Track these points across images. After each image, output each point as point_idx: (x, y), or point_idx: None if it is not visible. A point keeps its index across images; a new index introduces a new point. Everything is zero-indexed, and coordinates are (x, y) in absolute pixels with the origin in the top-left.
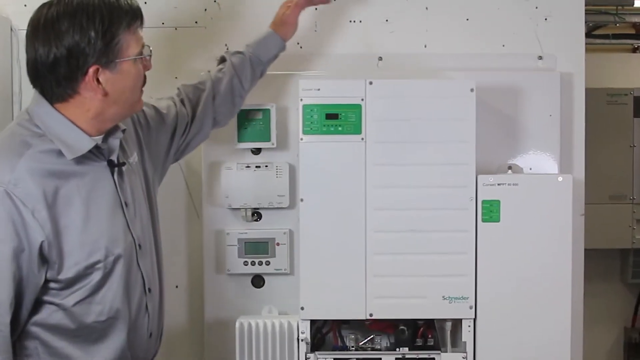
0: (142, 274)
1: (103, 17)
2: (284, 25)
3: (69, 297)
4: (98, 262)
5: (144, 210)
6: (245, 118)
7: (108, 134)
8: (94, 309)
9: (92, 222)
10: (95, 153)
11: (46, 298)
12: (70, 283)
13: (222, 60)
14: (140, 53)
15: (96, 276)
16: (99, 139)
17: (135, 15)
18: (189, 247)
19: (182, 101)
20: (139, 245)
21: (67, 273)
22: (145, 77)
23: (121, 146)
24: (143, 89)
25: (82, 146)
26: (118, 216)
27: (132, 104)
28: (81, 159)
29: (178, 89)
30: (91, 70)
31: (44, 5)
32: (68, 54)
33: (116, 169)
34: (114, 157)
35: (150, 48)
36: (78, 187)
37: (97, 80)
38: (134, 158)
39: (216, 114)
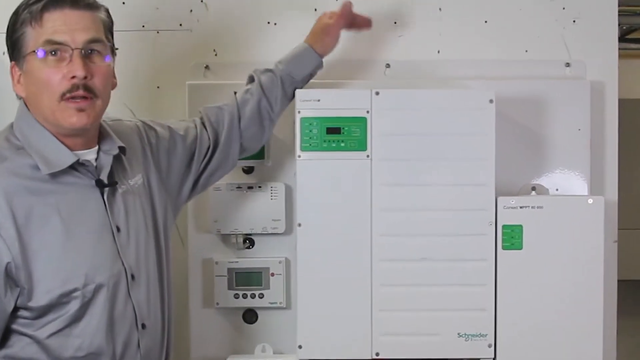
0: (133, 307)
1: (16, 11)
2: (323, 38)
3: (43, 328)
4: (75, 290)
5: (143, 238)
6: None
7: (100, 149)
8: (72, 343)
9: (71, 246)
10: (80, 169)
11: (17, 328)
12: (43, 312)
13: (251, 80)
14: (40, 48)
15: (73, 306)
16: (84, 153)
17: (33, 3)
18: (173, 278)
19: (203, 124)
20: (132, 276)
21: (39, 300)
22: (78, 87)
23: (122, 165)
24: (85, 101)
25: (61, 161)
26: (105, 241)
27: (55, 115)
28: (63, 176)
29: (199, 111)
30: (10, 66)
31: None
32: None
33: (106, 189)
34: (103, 176)
35: (70, 45)
36: (58, 206)
37: (18, 79)
38: (137, 180)
39: (243, 140)
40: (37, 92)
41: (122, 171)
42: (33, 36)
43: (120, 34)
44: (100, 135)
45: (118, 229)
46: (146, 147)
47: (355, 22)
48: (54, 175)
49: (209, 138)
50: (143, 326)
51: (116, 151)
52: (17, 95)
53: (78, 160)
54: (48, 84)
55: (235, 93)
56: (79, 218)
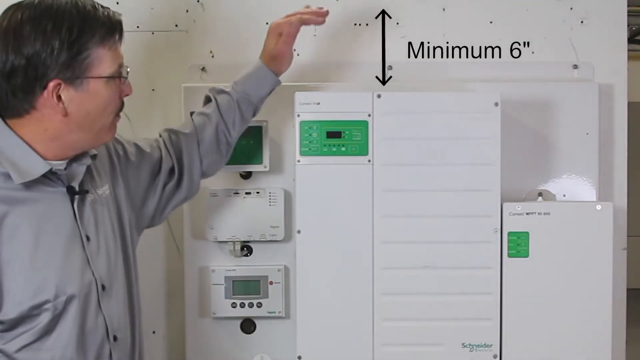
0: (104, 318)
1: (72, 26)
2: (275, 60)
3: (12, 341)
4: (46, 302)
5: (112, 248)
6: None
7: (73, 159)
8: (42, 357)
9: (41, 256)
10: (51, 178)
11: None
12: (13, 325)
13: (208, 100)
14: (116, 73)
15: (44, 318)
16: (57, 164)
17: (112, 29)
18: (169, 287)
19: (165, 146)
20: (102, 286)
21: (9, 313)
22: (123, 103)
23: (90, 174)
24: (119, 117)
25: (34, 170)
26: (75, 251)
27: (99, 132)
28: (34, 184)
29: (159, 134)
30: (51, 84)
31: (10, 7)
32: (27, 62)
33: (77, 197)
34: (75, 184)
35: (128, 69)
36: (28, 215)
37: (59, 97)
38: (104, 190)
39: (202, 165)
40: (97, 111)
41: (90, 180)
42: (108, 58)
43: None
44: None
45: (88, 238)
46: (114, 158)
47: (305, 22)
48: (26, 185)
49: (171, 159)
50: (115, 338)
51: (89, 162)
52: (12, 103)
53: (51, 169)
54: (112, 102)
55: (191, 114)
56: (49, 228)
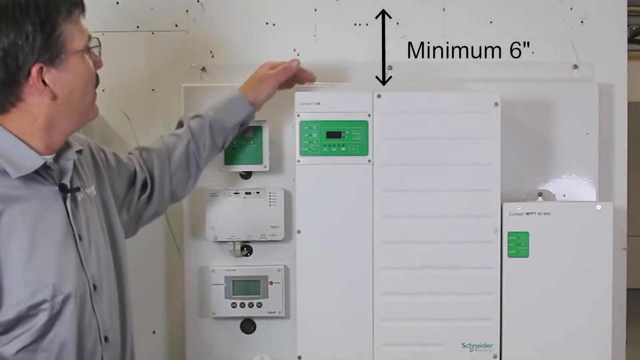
0: (96, 319)
1: (38, 7)
2: (258, 86)
3: (10, 343)
4: (44, 301)
5: (102, 247)
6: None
7: (59, 154)
8: (39, 357)
9: (37, 256)
10: (44, 175)
11: None
12: (11, 326)
13: (180, 125)
14: (88, 45)
15: (41, 318)
16: (49, 157)
17: (74, 3)
18: (168, 287)
19: (138, 161)
20: (94, 286)
21: (7, 314)
22: (97, 77)
23: (77, 173)
24: (96, 93)
25: (29, 164)
26: (69, 250)
27: (86, 110)
28: (27, 182)
29: (130, 152)
30: (34, 69)
31: None
32: (4, 54)
33: (69, 195)
34: (66, 181)
35: (99, 39)
36: (23, 214)
37: (43, 81)
38: (92, 190)
39: (172, 184)
40: (82, 88)
41: (78, 179)
42: (77, 34)
43: (114, 35)
44: None
45: (80, 237)
46: (98, 161)
47: (298, 78)
48: (22, 181)
49: (144, 173)
50: (106, 339)
51: (75, 156)
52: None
53: (45, 163)
54: (90, 77)
55: (161, 137)
56: (44, 226)
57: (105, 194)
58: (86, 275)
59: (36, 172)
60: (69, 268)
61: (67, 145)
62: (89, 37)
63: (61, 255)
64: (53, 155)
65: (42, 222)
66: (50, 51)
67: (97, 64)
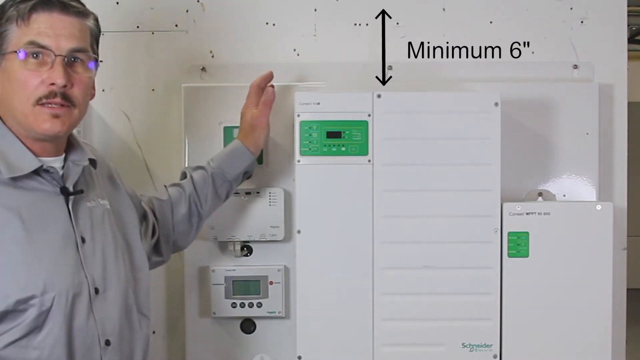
0: (95, 322)
1: (5, 1)
2: (253, 133)
3: None
4: (33, 297)
5: (112, 253)
6: (232, 137)
7: (68, 158)
8: (30, 355)
9: (31, 252)
10: (45, 176)
11: None
12: None
13: (184, 176)
14: (24, 49)
15: (31, 314)
16: (50, 160)
17: (42, 2)
18: (168, 287)
19: (149, 206)
20: (96, 289)
21: None
22: (55, 94)
23: (92, 182)
24: (52, 108)
25: (24, 166)
26: (68, 251)
27: (25, 121)
28: (26, 181)
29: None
30: None
31: None
32: None
33: (71, 197)
34: (69, 185)
35: (58, 53)
36: (19, 210)
37: None
38: (105, 203)
39: (174, 232)
40: (13, 92)
41: (92, 187)
42: (17, 35)
43: (114, 35)
44: (69, 145)
45: (83, 240)
46: (117, 182)
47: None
48: (16, 180)
49: (152, 218)
50: (107, 342)
51: (86, 162)
52: None
53: (42, 166)
54: (25, 87)
55: (165, 187)
56: (41, 224)
57: (121, 208)
58: (86, 277)
59: (36, 172)
60: (65, 268)
61: (77, 150)
62: (32, 42)
63: (59, 255)
64: (56, 159)
65: (40, 220)
66: None
67: (51, 79)
